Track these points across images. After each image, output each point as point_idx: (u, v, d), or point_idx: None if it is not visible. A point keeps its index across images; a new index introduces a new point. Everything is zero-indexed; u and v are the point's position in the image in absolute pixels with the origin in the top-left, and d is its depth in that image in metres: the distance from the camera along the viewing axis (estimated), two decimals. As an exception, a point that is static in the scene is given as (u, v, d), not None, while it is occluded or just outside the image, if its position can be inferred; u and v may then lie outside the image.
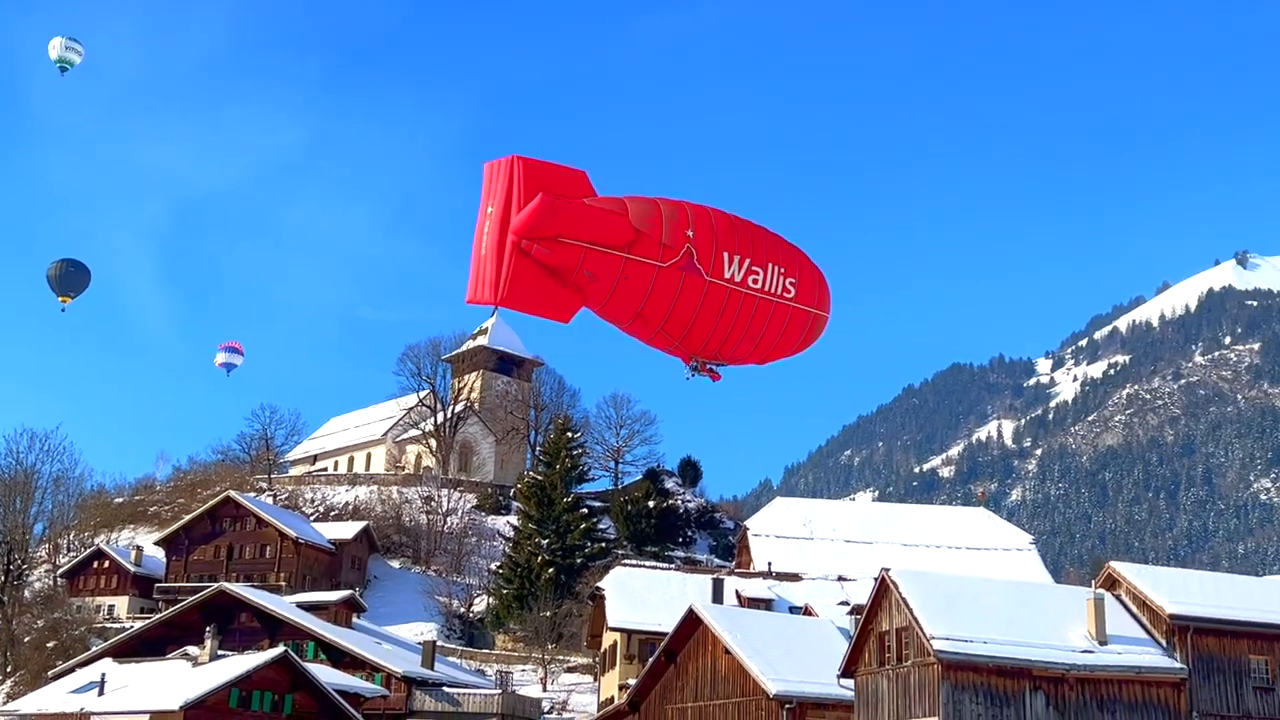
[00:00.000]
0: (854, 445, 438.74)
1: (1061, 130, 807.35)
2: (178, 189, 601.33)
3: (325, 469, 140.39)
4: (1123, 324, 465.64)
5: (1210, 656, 43.08)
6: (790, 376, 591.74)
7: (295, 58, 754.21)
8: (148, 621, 79.11)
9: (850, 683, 45.45)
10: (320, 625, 72.85)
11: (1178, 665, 42.49)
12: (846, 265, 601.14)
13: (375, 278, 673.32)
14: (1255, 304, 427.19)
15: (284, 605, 75.54)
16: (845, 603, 63.41)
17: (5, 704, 72.73)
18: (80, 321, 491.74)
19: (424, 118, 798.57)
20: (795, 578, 73.54)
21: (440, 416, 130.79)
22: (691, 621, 52.57)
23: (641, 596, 67.57)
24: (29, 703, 62.33)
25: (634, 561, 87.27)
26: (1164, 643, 43.32)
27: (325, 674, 63.41)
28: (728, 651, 49.70)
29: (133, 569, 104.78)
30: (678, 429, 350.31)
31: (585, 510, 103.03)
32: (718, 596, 63.51)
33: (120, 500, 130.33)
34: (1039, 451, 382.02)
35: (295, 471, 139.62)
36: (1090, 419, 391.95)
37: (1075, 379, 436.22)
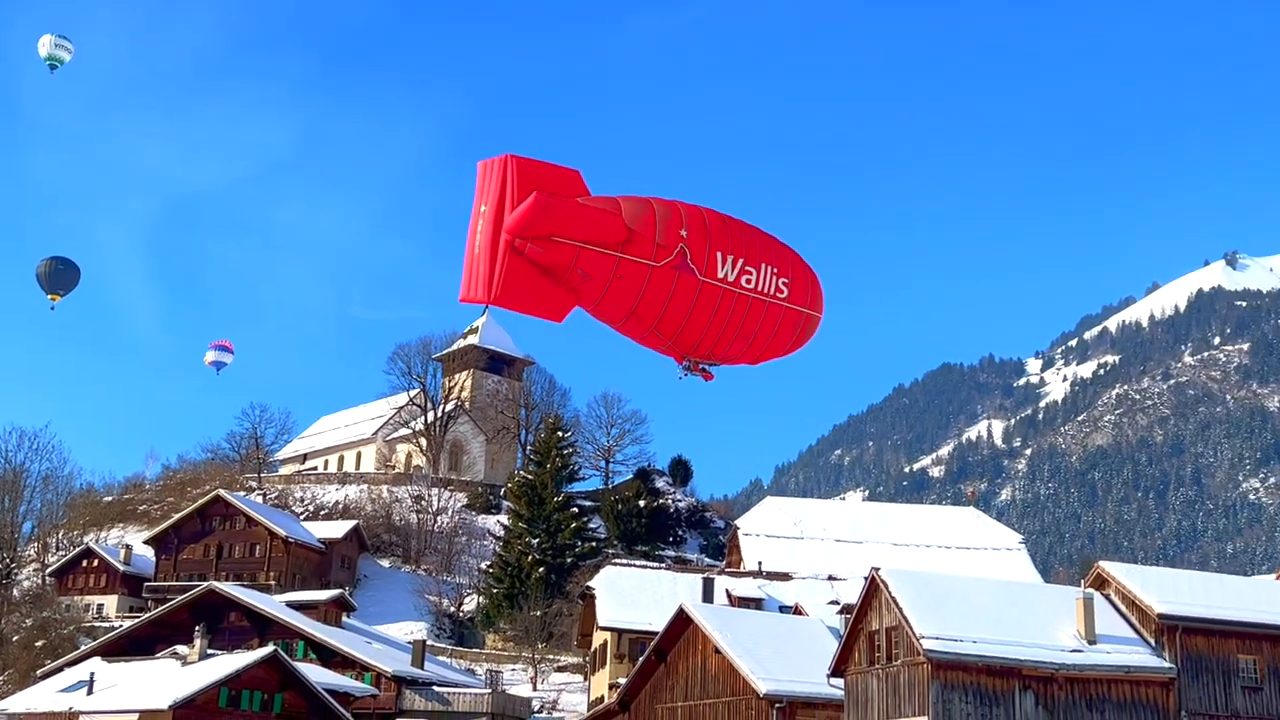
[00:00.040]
0: (844, 445, 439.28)
1: (1054, 131, 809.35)
2: (167, 187, 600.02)
3: (315, 468, 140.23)
4: (1112, 324, 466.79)
5: (1199, 656, 43.22)
6: (781, 376, 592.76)
7: (285, 55, 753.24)
8: (137, 620, 78.97)
9: (840, 682, 45.51)
10: (310, 624, 72.76)
11: (1166, 665, 42.63)
12: (837, 265, 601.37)
13: (365, 276, 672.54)
14: (1244, 305, 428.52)
15: (273, 604, 75.47)
16: (835, 602, 63.53)
17: (-6, 703, 72.50)
18: (70, 319, 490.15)
19: (414, 116, 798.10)
20: (785, 577, 73.65)
21: (430, 415, 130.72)
22: (682, 621, 52.60)
23: (632, 596, 67.64)
24: (17, 702, 62.13)
25: (624, 561, 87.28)
26: (1153, 642, 43.46)
27: (315, 673, 63.31)
28: (718, 651, 49.74)
29: (122, 568, 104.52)
30: (668, 428, 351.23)
31: (576, 509, 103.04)
32: (708, 596, 63.54)
33: (109, 499, 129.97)
34: (1029, 451, 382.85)
35: (285, 470, 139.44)
36: (1080, 419, 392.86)
37: (1065, 379, 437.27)
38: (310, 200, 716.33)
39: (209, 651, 60.38)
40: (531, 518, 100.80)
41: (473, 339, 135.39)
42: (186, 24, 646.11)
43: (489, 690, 71.13)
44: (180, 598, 76.34)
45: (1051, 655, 41.30)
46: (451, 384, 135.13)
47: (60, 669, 66.58)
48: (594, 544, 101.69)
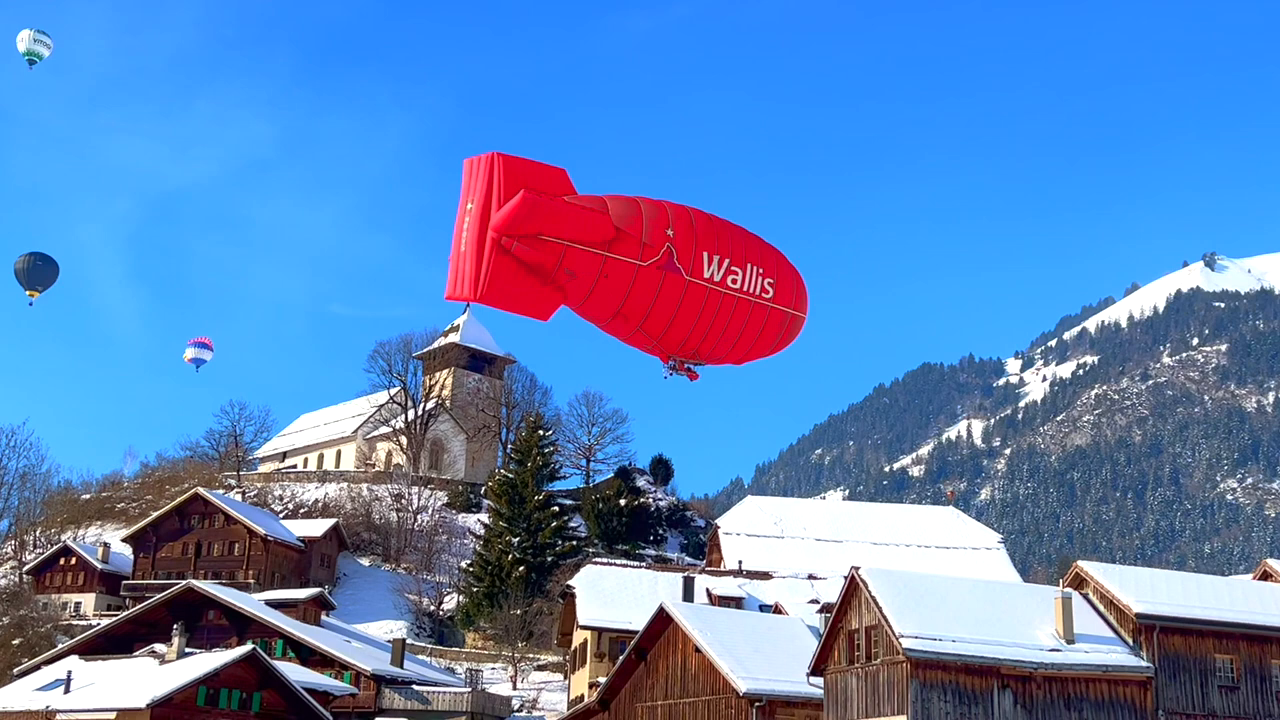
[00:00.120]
0: (825, 444, 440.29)
1: (1034, 133, 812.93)
2: (147, 184, 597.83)
3: (295, 466, 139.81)
4: (1092, 325, 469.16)
5: (1176, 655, 43.49)
6: (762, 375, 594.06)
7: (267, 53, 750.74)
8: (115, 619, 78.52)
9: (820, 681, 45.62)
10: (289, 623, 72.50)
11: (1144, 664, 42.87)
12: (820, 265, 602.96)
13: (346, 274, 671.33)
14: (1222, 306, 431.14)
15: (252, 603, 75.16)
16: (815, 601, 63.63)
17: (-30, 701, 72.03)
18: (48, 316, 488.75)
19: (396, 114, 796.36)
20: (766, 576, 73.76)
21: (411, 414, 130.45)
22: (662, 620, 52.63)
23: (612, 595, 67.60)
24: (-6, 700, 61.76)
25: (605, 560, 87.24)
26: (1130, 642, 43.70)
27: (294, 672, 63.12)
28: (698, 650, 49.80)
29: (100, 566, 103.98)
30: (649, 427, 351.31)
31: (556, 508, 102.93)
32: (688, 595, 63.54)
33: (87, 497, 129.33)
34: (1008, 451, 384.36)
35: (264, 468, 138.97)
36: (1059, 419, 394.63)
37: (1044, 379, 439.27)
38: (292, 198, 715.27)
39: (187, 650, 60.14)
40: (512, 516, 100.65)
41: (454, 337, 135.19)
42: (169, 21, 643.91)
43: (469, 689, 70.99)
44: (158, 596, 75.95)
45: (1030, 654, 41.49)
46: (432, 382, 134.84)
47: (37, 667, 66.22)
48: (574, 543, 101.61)
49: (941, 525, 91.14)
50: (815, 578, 71.56)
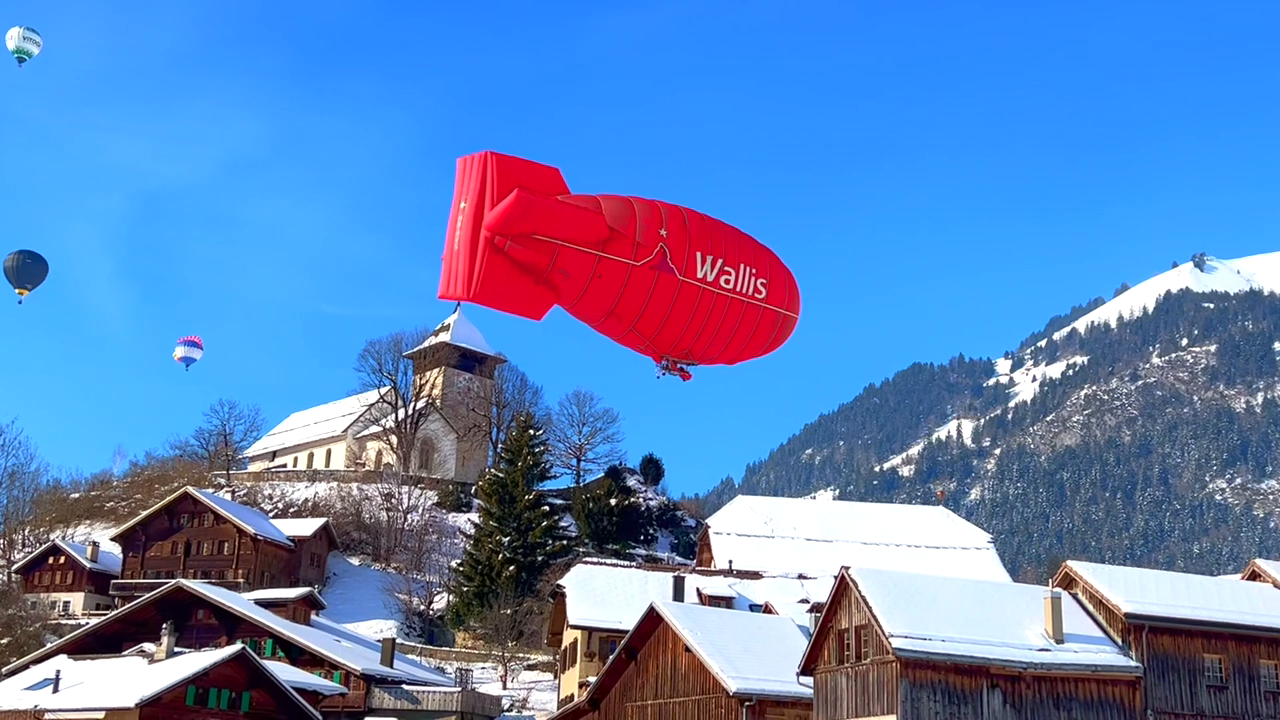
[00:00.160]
0: (815, 444, 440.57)
1: (1023, 134, 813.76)
2: (138, 182, 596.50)
3: (285, 465, 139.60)
4: (1081, 325, 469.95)
5: (1165, 655, 43.59)
6: (752, 375, 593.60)
7: (258, 51, 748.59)
8: (104, 618, 78.47)
9: (810, 680, 45.65)
10: (278, 622, 72.48)
11: (1133, 664, 42.97)
12: (810, 265, 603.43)
13: (337, 273, 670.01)
14: (1212, 306, 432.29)
15: (242, 602, 75.13)
16: (805, 601, 63.74)
17: (-42, 701, 71.83)
18: (37, 314, 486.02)
19: (388, 113, 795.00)
20: (756, 576, 73.81)
21: (401, 413, 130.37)
22: (652, 619, 52.64)
23: (602, 594, 67.62)
24: (-18, 699, 61.60)
25: (595, 559, 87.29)
26: (1120, 641, 43.80)
27: (283, 671, 63.06)
28: (688, 649, 49.80)
29: (89, 565, 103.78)
30: (640, 427, 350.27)
31: (547, 508, 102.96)
32: (678, 594, 63.60)
33: (76, 495, 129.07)
34: (998, 451, 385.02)
35: (254, 468, 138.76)
36: (1049, 419, 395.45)
37: (1034, 379, 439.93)
38: (283, 197, 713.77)
39: (176, 649, 60.07)
40: (502, 516, 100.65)
41: (444, 336, 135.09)
42: (160, 19, 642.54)
43: (459, 688, 71.03)
44: (148, 595, 75.88)
45: (1019, 654, 41.57)
46: (422, 381, 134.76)
47: (26, 667, 66.13)
48: (565, 542, 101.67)
49: (931, 525, 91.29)
50: (805, 577, 71.63)
